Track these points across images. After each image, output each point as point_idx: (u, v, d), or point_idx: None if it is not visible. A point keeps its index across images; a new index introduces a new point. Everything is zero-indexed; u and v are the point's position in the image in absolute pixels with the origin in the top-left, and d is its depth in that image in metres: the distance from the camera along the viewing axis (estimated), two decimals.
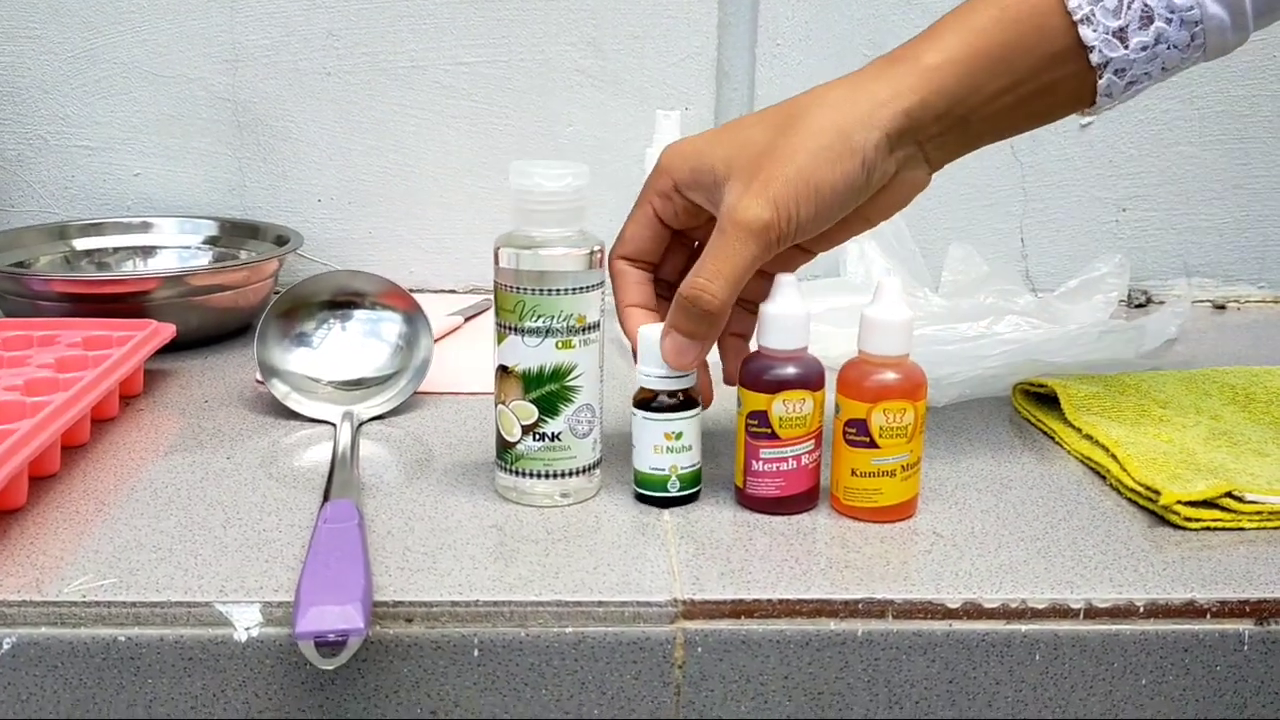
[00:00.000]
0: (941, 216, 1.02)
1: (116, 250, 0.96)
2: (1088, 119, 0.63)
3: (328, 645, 0.47)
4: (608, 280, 0.61)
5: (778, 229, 0.55)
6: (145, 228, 0.97)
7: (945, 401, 0.75)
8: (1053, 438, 0.71)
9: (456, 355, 0.83)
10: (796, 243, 0.58)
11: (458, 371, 0.80)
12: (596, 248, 0.59)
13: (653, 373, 0.60)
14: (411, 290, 0.79)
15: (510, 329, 0.59)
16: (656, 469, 0.60)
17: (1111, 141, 1.01)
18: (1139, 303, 1.03)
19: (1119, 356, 0.81)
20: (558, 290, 0.58)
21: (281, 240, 0.93)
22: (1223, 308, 1.04)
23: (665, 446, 0.60)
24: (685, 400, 0.60)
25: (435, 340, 0.76)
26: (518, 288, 0.58)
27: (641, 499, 0.61)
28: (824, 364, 0.61)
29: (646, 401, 0.60)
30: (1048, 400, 0.74)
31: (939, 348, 0.81)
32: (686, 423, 0.60)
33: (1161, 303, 1.04)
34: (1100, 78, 0.58)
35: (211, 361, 0.83)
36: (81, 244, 0.95)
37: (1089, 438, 0.68)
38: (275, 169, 1.00)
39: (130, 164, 1.00)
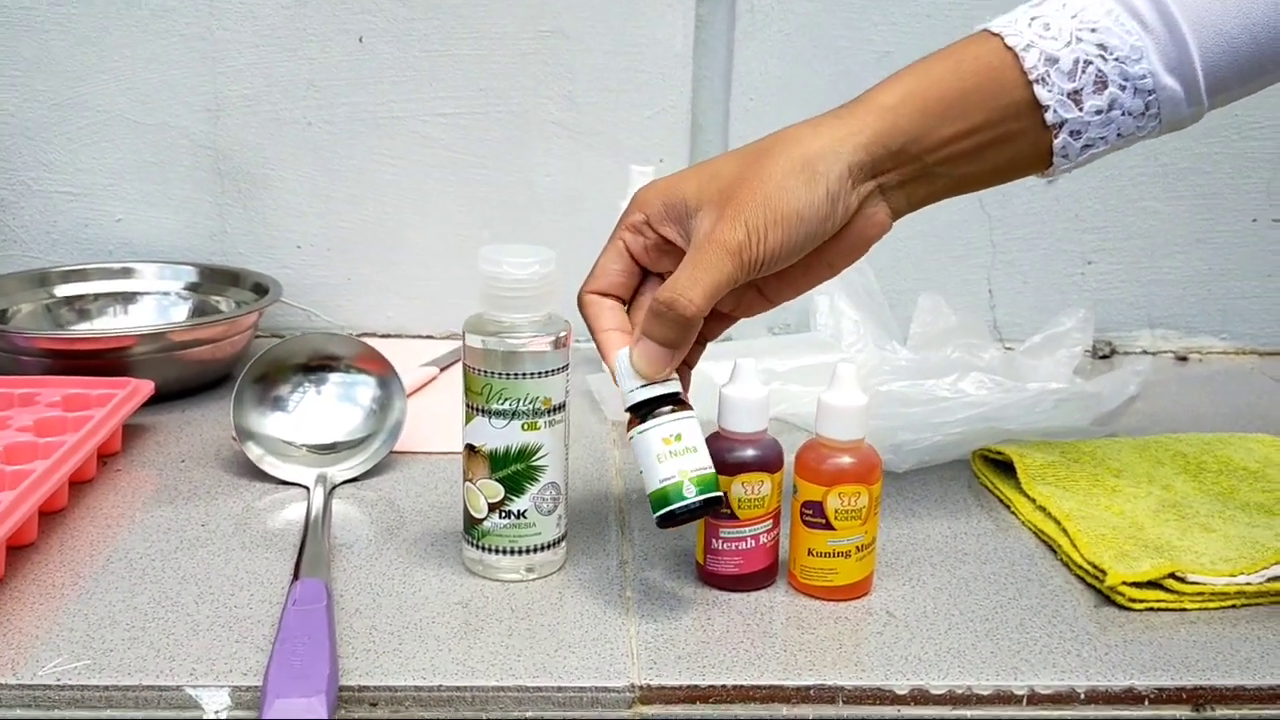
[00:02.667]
0: (911, 268, 1.04)
1: (98, 297, 0.97)
2: (1047, 181, 0.64)
3: None
4: (572, 363, 0.63)
5: (750, 250, 0.57)
6: (126, 274, 0.99)
7: (905, 468, 0.76)
8: (1008, 507, 0.73)
9: (430, 410, 0.84)
10: (765, 273, 0.59)
11: (431, 429, 0.81)
12: (563, 332, 0.61)
13: (634, 385, 0.59)
14: (389, 335, 0.81)
15: (477, 410, 0.61)
16: (666, 479, 0.57)
17: (1078, 196, 1.03)
18: (1103, 354, 1.05)
19: (1075, 424, 0.83)
20: (524, 374, 0.60)
21: (261, 289, 0.94)
22: (1185, 359, 1.06)
23: (667, 452, 0.57)
24: (676, 405, 0.59)
25: (410, 393, 0.77)
26: (485, 370, 0.60)
27: (666, 522, 0.57)
28: (793, 421, 0.61)
29: (636, 419, 0.59)
30: (1006, 467, 0.76)
31: (902, 410, 0.82)
32: (683, 424, 0.58)
33: (1126, 354, 1.06)
34: (1056, 137, 0.60)
35: (190, 415, 0.85)
36: (63, 291, 0.96)
37: (1042, 509, 0.70)
38: (255, 216, 1.01)
39: (112, 210, 1.01)
